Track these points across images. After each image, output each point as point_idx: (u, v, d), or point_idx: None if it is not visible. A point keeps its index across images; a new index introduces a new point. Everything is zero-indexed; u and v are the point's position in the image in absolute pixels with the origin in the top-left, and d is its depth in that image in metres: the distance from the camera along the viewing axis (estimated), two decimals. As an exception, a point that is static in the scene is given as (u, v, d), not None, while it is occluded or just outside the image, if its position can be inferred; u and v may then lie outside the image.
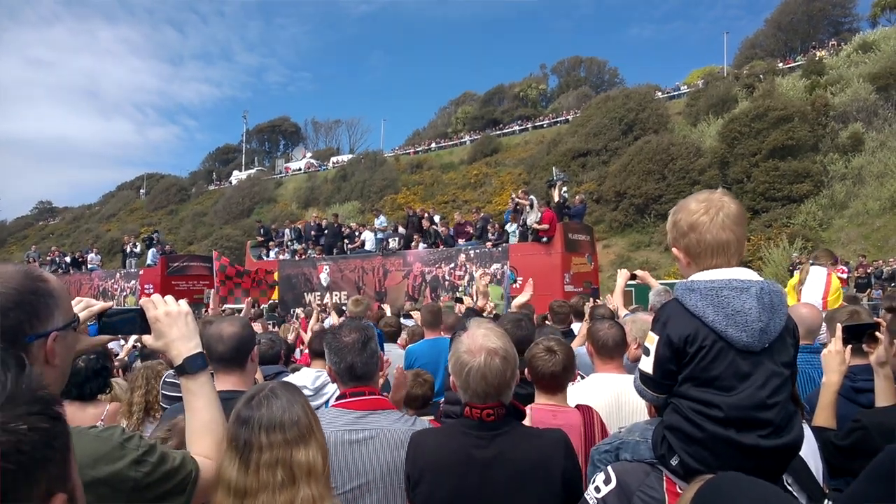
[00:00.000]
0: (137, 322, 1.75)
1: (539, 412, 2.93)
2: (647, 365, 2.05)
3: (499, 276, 17.49)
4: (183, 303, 1.79)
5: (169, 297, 1.78)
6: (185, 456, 1.61)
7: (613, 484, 1.96)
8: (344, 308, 14.04)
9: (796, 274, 6.59)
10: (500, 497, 2.23)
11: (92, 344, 1.78)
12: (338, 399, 2.65)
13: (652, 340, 2.03)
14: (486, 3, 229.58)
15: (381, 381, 2.78)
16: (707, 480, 1.53)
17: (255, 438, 1.70)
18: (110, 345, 11.81)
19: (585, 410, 3.01)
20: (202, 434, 1.69)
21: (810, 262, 6.77)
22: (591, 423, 2.95)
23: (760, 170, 33.70)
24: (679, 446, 1.90)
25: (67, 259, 29.07)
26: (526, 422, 2.44)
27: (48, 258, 30.28)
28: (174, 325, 1.73)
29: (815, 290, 6.47)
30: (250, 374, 2.90)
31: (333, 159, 73.03)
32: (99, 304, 1.73)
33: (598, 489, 1.98)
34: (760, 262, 28.81)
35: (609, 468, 2.02)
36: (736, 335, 1.90)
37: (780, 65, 48.97)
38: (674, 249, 2.18)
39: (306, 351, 7.55)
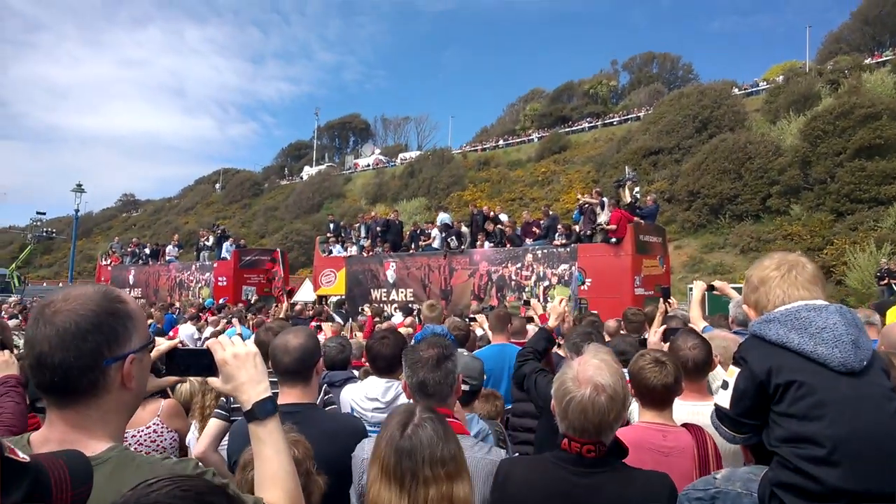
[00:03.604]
0: (205, 363, 1.69)
1: (647, 432, 2.71)
2: (724, 399, 1.96)
3: (567, 277, 17.20)
4: (250, 343, 1.72)
5: (236, 338, 1.71)
6: (256, 502, 1.55)
7: None
8: (411, 307, 14.13)
9: None
10: None
11: (158, 385, 1.73)
12: None
13: (732, 373, 1.94)
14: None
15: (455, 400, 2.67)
16: None
17: (421, 471, 1.65)
18: (183, 335, 12.19)
19: (697, 431, 2.76)
20: (272, 485, 1.60)
21: None
22: (704, 446, 2.70)
23: (845, 170, 32.02)
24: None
25: (147, 250, 30.22)
26: (631, 443, 2.27)
27: (129, 249, 31.62)
28: (243, 367, 1.65)
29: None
30: (314, 387, 2.87)
31: (401, 156, 73.86)
32: (166, 344, 1.68)
33: None
34: (845, 268, 27.41)
35: None
36: (828, 352, 1.77)
37: (868, 60, 46.51)
38: (744, 306, 2.17)
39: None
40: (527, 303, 12.00)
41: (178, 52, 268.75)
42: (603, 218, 16.76)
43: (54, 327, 1.32)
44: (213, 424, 3.35)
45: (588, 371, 2.10)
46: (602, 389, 2.04)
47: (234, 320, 12.10)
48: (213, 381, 1.69)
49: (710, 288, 5.36)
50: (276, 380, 2.82)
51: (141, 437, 3.57)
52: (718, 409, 1.98)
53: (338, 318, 12.91)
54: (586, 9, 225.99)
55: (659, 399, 2.77)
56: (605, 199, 17.22)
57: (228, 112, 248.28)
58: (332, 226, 25.11)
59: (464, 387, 3.39)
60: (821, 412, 1.73)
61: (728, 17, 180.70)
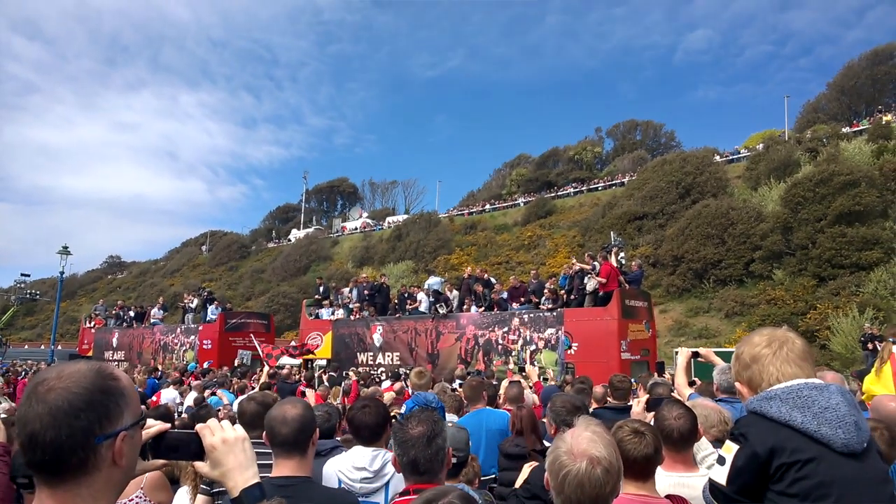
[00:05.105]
0: (193, 448, 1.68)
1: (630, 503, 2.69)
2: (720, 475, 1.92)
3: (553, 342, 17.20)
4: (239, 428, 1.72)
5: (226, 423, 1.72)
6: None
7: None
8: (399, 372, 14.03)
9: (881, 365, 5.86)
10: None
11: (143, 469, 1.68)
12: (401, 494, 2.54)
13: (730, 450, 1.90)
14: (549, 67, 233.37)
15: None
16: None
17: None
18: (165, 400, 11.99)
19: (679, 503, 2.75)
20: None
21: (891, 339, 6.17)
22: None
23: (826, 236, 32.58)
24: None
25: (132, 313, 29.92)
26: None
27: (113, 311, 31.31)
28: (231, 452, 1.65)
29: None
30: (310, 460, 2.83)
31: (389, 219, 74.39)
32: (155, 427, 1.66)
33: None
34: (829, 332, 27.58)
35: None
36: (832, 433, 1.77)
37: (845, 129, 47.98)
38: (737, 384, 2.15)
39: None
40: (521, 369, 11.98)
41: (171, 116, 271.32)
42: (593, 285, 16.88)
43: (47, 405, 1.33)
44: (201, 501, 3.34)
45: (582, 444, 2.08)
46: (598, 462, 2.03)
47: (220, 391, 11.82)
48: (201, 466, 1.68)
49: (696, 355, 5.40)
50: (268, 450, 2.81)
51: (124, 509, 3.51)
52: (713, 485, 1.95)
53: (325, 383, 12.75)
54: (572, 79, 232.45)
55: (640, 470, 2.75)
56: (596, 262, 17.36)
57: (219, 175, 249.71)
58: (321, 289, 25.06)
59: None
60: (823, 493, 1.73)
61: (710, 87, 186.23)
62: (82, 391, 1.36)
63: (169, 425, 1.71)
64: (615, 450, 2.15)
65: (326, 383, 12.85)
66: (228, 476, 1.64)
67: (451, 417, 6.01)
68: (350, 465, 3.49)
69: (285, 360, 19.22)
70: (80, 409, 1.34)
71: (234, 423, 1.76)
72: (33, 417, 1.33)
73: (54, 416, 1.32)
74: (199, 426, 1.70)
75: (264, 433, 2.80)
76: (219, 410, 8.86)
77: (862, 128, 47.46)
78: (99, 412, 1.37)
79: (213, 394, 11.68)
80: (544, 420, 5.33)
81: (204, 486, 3.39)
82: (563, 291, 18.21)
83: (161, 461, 1.71)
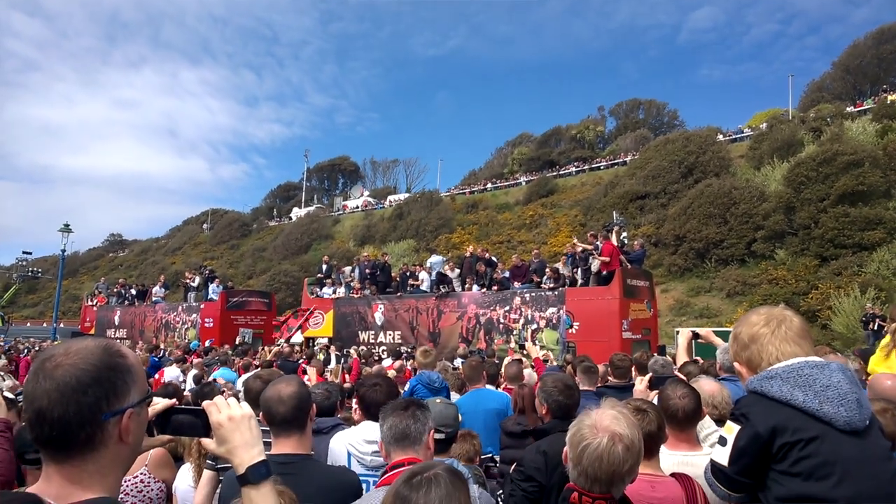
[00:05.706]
0: (200, 425, 1.68)
1: (635, 482, 2.59)
2: (721, 456, 1.90)
3: (554, 321, 17.23)
4: (245, 405, 1.71)
5: (232, 400, 1.71)
6: None
7: None
8: (400, 351, 14.07)
9: (886, 339, 5.74)
10: None
11: (150, 445, 1.69)
12: (384, 473, 2.53)
13: (731, 430, 1.88)
14: (552, 46, 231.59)
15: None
16: None
17: None
18: (169, 377, 12.03)
19: (685, 480, 2.73)
20: None
21: None
22: (693, 497, 2.66)
23: (829, 216, 32.46)
24: None
25: (133, 291, 29.97)
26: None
27: (115, 290, 31.36)
28: (237, 430, 1.65)
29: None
30: (309, 436, 2.85)
31: (390, 198, 74.24)
32: (162, 403, 1.67)
33: None
34: (830, 312, 27.59)
35: None
36: (834, 411, 1.75)
37: (850, 108, 47.61)
38: (736, 364, 2.12)
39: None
40: (521, 346, 12.02)
41: (172, 93, 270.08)
42: (595, 265, 16.85)
43: (55, 381, 1.33)
44: (207, 476, 3.37)
45: (605, 420, 2.09)
46: (619, 439, 2.03)
47: (219, 376, 11.74)
48: (207, 443, 1.69)
49: (696, 335, 5.38)
50: (266, 429, 2.80)
51: (127, 486, 3.52)
52: (714, 466, 1.93)
53: (332, 359, 12.78)
54: (575, 58, 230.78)
55: (644, 448, 2.74)
56: (599, 242, 17.29)
57: (220, 153, 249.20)
58: (324, 267, 25.03)
59: (438, 435, 3.40)
60: (827, 472, 1.71)
61: (714, 66, 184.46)
62: (90, 368, 1.36)
63: (175, 401, 1.72)
64: (638, 431, 2.14)
65: (334, 360, 12.87)
66: (234, 453, 1.64)
67: (453, 396, 6.04)
68: (361, 438, 3.54)
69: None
70: (88, 386, 1.34)
71: (238, 400, 1.75)
72: (41, 394, 1.33)
73: (62, 392, 1.32)
74: (205, 403, 1.70)
75: (261, 413, 2.79)
76: (222, 391, 8.88)
77: (866, 107, 47.15)
78: (106, 389, 1.37)
79: (215, 380, 11.62)
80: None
81: (209, 462, 3.42)
82: (565, 270, 18.18)
83: (166, 437, 1.73)
